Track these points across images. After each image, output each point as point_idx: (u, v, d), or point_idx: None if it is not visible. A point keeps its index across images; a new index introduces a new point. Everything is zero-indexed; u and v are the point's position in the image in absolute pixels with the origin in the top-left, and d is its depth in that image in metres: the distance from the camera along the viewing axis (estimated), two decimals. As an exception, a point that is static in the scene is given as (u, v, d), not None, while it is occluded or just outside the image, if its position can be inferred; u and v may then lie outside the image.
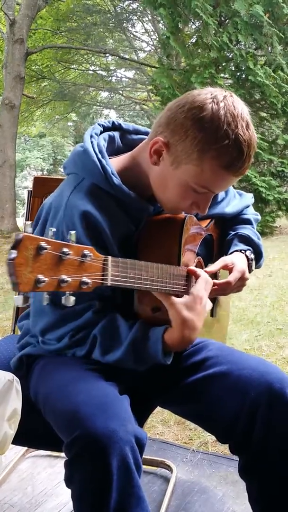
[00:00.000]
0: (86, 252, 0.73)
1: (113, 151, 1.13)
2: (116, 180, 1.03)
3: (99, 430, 0.84)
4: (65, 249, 0.69)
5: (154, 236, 1.06)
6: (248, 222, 1.34)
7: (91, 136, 1.08)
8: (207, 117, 0.94)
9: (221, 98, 0.95)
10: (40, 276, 0.65)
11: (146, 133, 1.17)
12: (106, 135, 1.11)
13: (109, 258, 0.78)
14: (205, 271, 1.14)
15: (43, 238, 0.67)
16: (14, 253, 0.63)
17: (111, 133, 1.13)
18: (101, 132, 1.12)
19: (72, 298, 0.72)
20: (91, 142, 1.06)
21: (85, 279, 0.72)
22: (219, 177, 0.97)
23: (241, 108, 0.96)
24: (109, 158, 1.08)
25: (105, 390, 0.95)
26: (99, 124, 1.13)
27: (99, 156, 1.04)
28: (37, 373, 1.11)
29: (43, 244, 0.66)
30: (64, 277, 0.69)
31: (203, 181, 0.98)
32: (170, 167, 1.00)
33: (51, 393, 1.01)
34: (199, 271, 1.03)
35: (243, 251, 1.24)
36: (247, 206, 1.37)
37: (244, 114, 0.96)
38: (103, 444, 0.83)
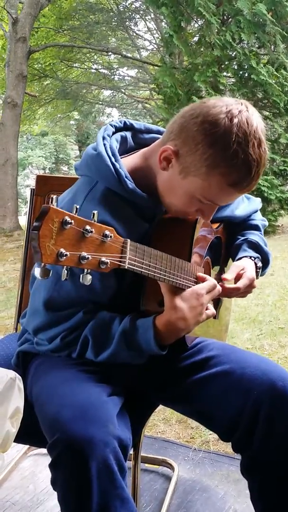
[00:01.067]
0: (107, 232, 0.74)
1: (125, 151, 1.13)
2: (130, 184, 1.02)
3: (77, 434, 0.84)
4: (88, 227, 0.70)
5: (167, 233, 1.07)
6: (256, 228, 1.34)
7: (104, 138, 1.07)
8: (219, 133, 0.92)
9: (236, 113, 0.93)
10: (62, 250, 0.66)
11: (158, 132, 1.17)
12: (118, 136, 1.11)
13: (128, 241, 0.79)
14: (224, 278, 1.15)
15: (68, 213, 0.67)
16: (39, 224, 0.64)
17: (123, 133, 1.13)
18: (113, 133, 1.11)
19: (89, 277, 0.73)
20: (104, 144, 1.05)
21: (104, 259, 0.73)
22: (225, 193, 0.98)
23: (256, 124, 0.94)
24: (121, 158, 1.07)
25: (88, 392, 0.95)
26: (111, 125, 1.12)
27: (113, 159, 1.03)
28: (32, 372, 1.12)
29: (67, 218, 0.67)
30: (84, 254, 0.70)
31: (209, 195, 0.98)
32: (178, 175, 1.00)
33: (41, 393, 1.02)
34: (208, 277, 1.04)
35: (252, 258, 1.24)
36: (256, 211, 1.38)
37: (257, 130, 0.94)
38: (81, 447, 0.83)
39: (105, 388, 0.99)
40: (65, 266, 0.69)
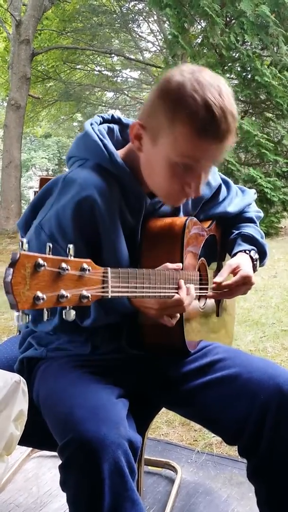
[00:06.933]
0: (85, 266, 0.72)
1: (113, 143, 1.12)
2: (119, 159, 1.03)
3: (90, 434, 0.84)
4: (63, 265, 0.68)
5: (156, 241, 1.06)
6: (251, 220, 1.32)
7: (91, 124, 1.09)
8: (174, 86, 0.93)
9: (189, 70, 0.95)
10: (39, 293, 0.64)
11: None
12: (105, 126, 1.12)
13: (109, 269, 0.77)
14: (214, 282, 1.14)
15: (41, 255, 0.65)
16: (10, 272, 0.62)
17: (110, 125, 1.13)
18: (101, 123, 1.13)
19: (73, 312, 0.71)
20: (92, 128, 1.07)
21: (85, 292, 0.71)
22: (195, 143, 0.94)
23: (213, 79, 0.94)
24: None
25: (99, 394, 0.95)
26: (99, 116, 1.14)
27: (101, 136, 1.05)
28: (38, 376, 1.11)
29: (40, 261, 0.65)
30: (63, 292, 0.68)
31: (182, 151, 0.95)
32: (151, 147, 0.99)
33: (49, 396, 1.02)
34: (182, 288, 0.98)
35: (247, 252, 1.22)
36: (249, 204, 1.35)
37: (216, 83, 0.93)
38: (94, 447, 0.83)
39: (114, 389, 0.99)
40: (44, 308, 0.67)
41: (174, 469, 1.67)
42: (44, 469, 1.69)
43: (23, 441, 0.99)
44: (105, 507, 0.84)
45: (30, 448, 1.73)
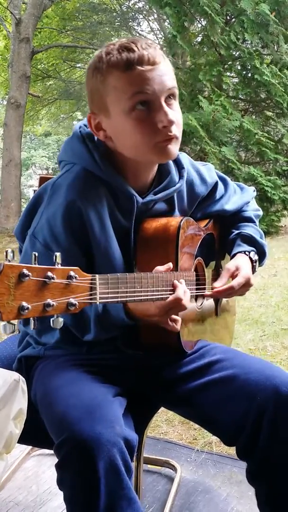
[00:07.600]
0: (71, 273, 0.72)
1: (103, 146, 1.13)
2: (105, 162, 1.03)
3: (85, 433, 0.85)
4: (49, 273, 0.68)
5: (150, 243, 1.05)
6: (249, 219, 1.30)
7: (80, 127, 1.10)
8: (92, 61, 1.01)
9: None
10: (24, 304, 0.65)
11: None
12: None
13: (97, 276, 0.77)
14: (214, 287, 1.13)
15: (25, 265, 0.66)
16: None
17: None
18: None
19: (61, 320, 0.71)
20: (80, 131, 1.08)
21: (72, 300, 0.71)
22: (129, 77, 0.96)
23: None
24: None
25: (95, 393, 0.96)
26: None
27: (87, 140, 1.05)
28: (36, 375, 1.12)
29: (25, 271, 0.65)
30: (49, 301, 0.68)
31: (127, 94, 0.96)
32: (109, 120, 1.00)
33: (46, 395, 1.02)
34: (178, 288, 0.96)
35: (247, 253, 1.22)
36: (248, 202, 1.34)
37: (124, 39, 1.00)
38: (89, 446, 0.83)
39: (111, 388, 0.99)
40: (31, 317, 0.67)
41: (173, 467, 1.68)
42: (43, 467, 1.69)
43: (22, 440, 0.99)
44: (101, 505, 0.84)
45: (30, 447, 1.73)
